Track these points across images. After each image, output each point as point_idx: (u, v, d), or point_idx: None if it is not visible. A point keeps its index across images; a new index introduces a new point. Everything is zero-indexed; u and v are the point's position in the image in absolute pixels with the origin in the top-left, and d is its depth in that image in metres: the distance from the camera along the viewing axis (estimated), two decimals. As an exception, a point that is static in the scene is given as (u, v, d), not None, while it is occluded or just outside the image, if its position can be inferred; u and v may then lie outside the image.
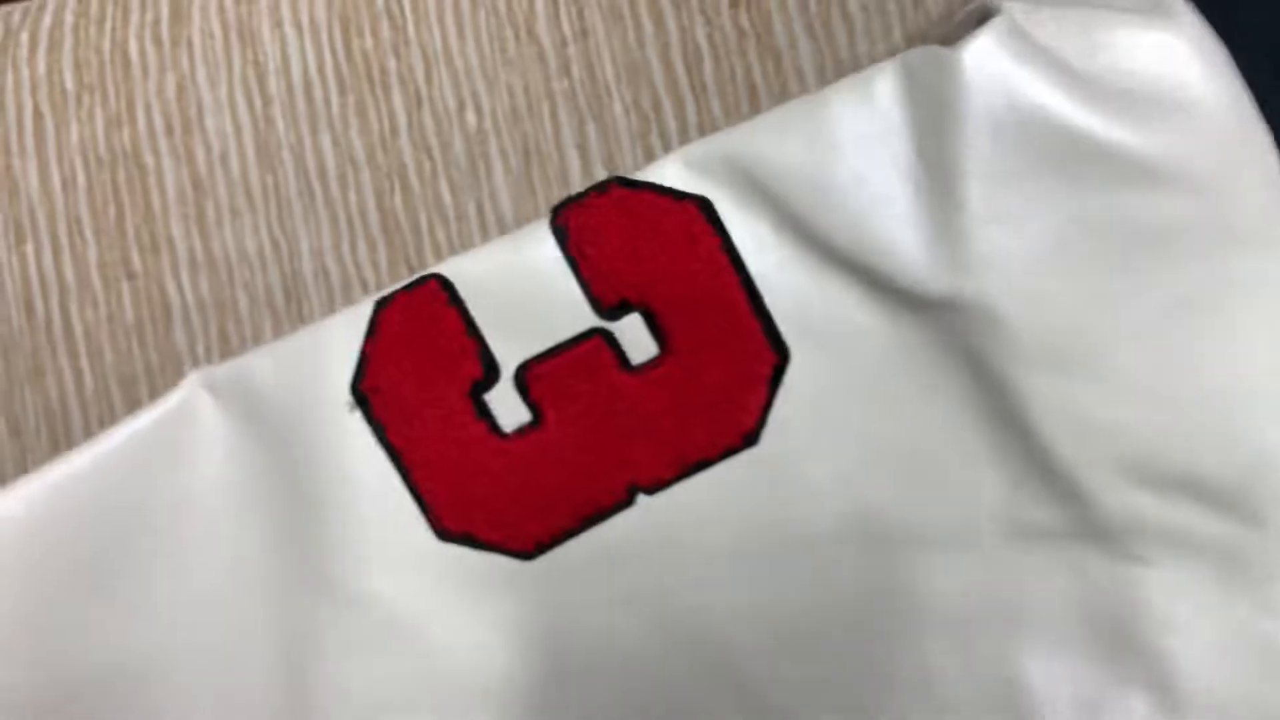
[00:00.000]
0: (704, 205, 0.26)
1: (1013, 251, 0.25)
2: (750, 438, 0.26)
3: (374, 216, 0.32)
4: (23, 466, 0.32)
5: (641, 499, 0.27)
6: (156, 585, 0.27)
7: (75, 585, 0.27)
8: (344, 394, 0.26)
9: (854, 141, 0.25)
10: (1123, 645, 0.26)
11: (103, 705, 0.26)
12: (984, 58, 0.24)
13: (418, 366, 0.26)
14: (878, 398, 0.26)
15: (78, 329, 0.32)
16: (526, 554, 0.27)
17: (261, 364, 0.27)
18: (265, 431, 0.27)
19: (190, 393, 0.27)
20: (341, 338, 0.26)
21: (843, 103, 0.25)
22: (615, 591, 0.27)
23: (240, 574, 0.27)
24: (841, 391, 0.26)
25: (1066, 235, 0.25)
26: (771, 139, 0.26)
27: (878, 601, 0.27)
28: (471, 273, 0.26)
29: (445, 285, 0.26)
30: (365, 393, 0.26)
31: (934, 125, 0.25)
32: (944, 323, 0.26)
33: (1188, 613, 0.26)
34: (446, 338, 0.26)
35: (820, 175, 0.25)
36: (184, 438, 0.27)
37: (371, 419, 0.26)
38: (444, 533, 0.27)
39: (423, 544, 0.27)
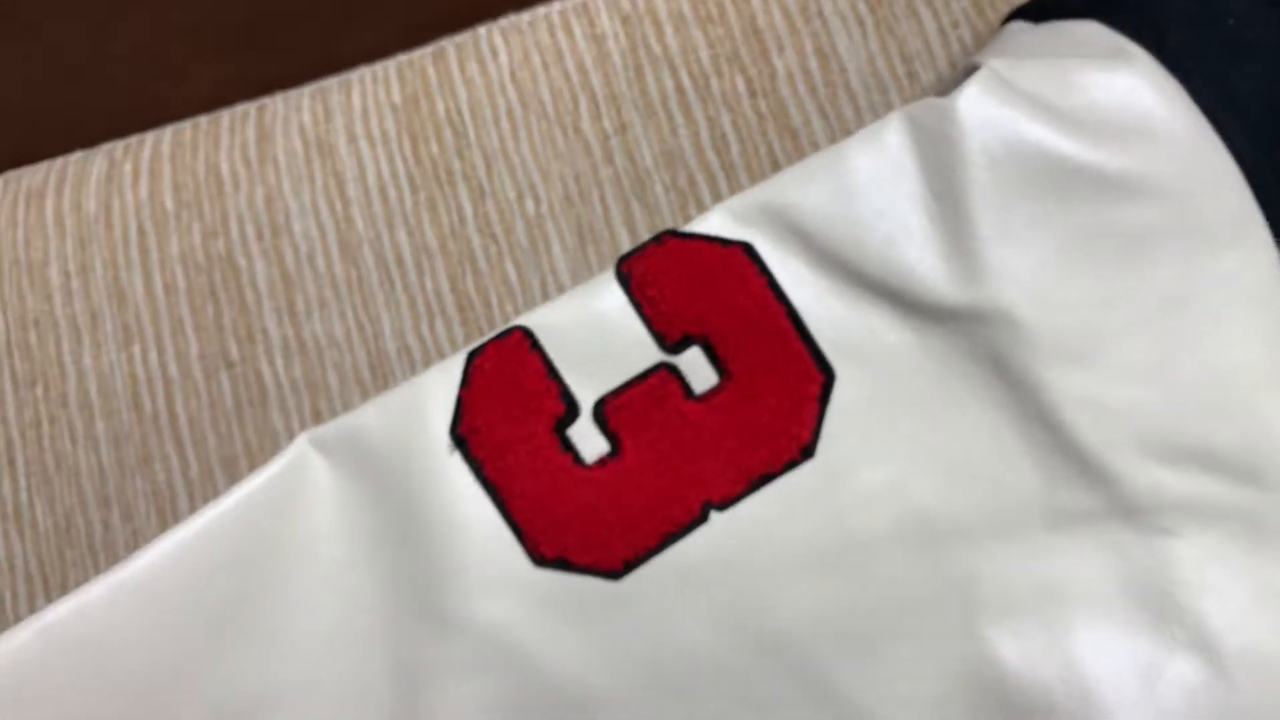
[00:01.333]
0: (748, 249, 0.30)
1: (1021, 264, 0.28)
2: (808, 450, 0.29)
3: (449, 298, 0.35)
4: (134, 548, 0.35)
5: (715, 515, 0.30)
6: (276, 630, 0.29)
7: (199, 638, 0.29)
8: (444, 438, 0.29)
9: (871, 183, 0.29)
10: (1165, 613, 0.28)
11: None
12: (975, 102, 0.29)
13: (508, 408, 0.30)
14: (917, 405, 0.29)
15: (182, 418, 0.36)
16: (615, 573, 0.29)
17: (365, 418, 0.30)
18: (372, 479, 0.30)
19: (300, 450, 0.30)
20: (438, 388, 0.30)
21: (858, 151, 0.29)
22: (697, 604, 0.30)
23: (354, 614, 0.29)
24: (884, 403, 0.30)
25: (1065, 246, 0.28)
26: (800, 187, 0.30)
27: (935, 596, 0.29)
28: (550, 322, 0.30)
29: (528, 334, 0.30)
30: (464, 435, 0.29)
31: (940, 163, 0.29)
32: (967, 331, 0.29)
33: (1218, 576, 0.28)
34: (532, 380, 0.30)
35: (845, 214, 0.29)
36: (296, 491, 0.30)
37: (470, 458, 0.29)
38: (540, 559, 0.29)
39: (521, 570, 0.29)
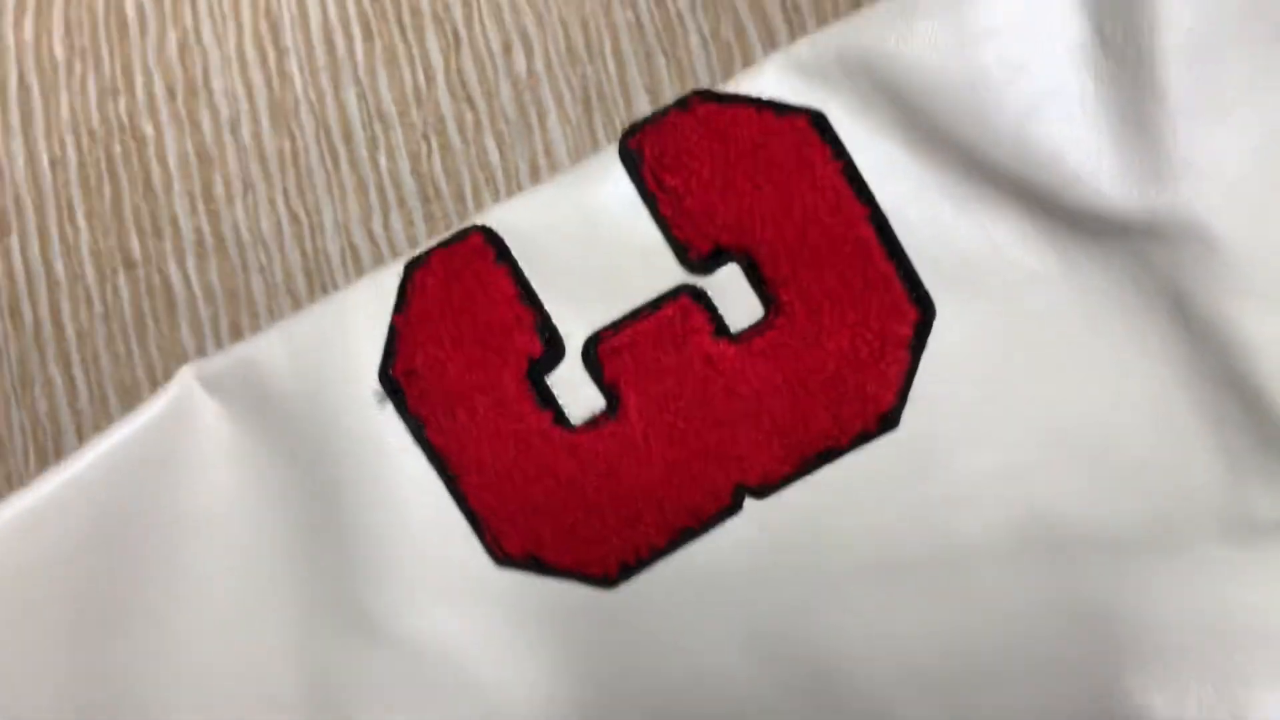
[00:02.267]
0: (816, 120, 0.20)
1: (1229, 152, 0.19)
2: (887, 420, 0.20)
3: (409, 182, 0.27)
4: (6, 491, 0.28)
5: (749, 504, 0.21)
6: (158, 615, 0.22)
7: (65, 618, 0.22)
8: (371, 382, 0.21)
9: (1006, 20, 0.20)
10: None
11: None
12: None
13: (461, 342, 0.21)
14: (1052, 362, 0.20)
15: (69, 330, 0.28)
16: (608, 580, 0.21)
17: (269, 350, 0.22)
18: (279, 432, 0.22)
19: (184, 390, 0.22)
20: (366, 311, 0.21)
21: (992, -28, 0.20)
22: (719, 622, 0.21)
23: (258, 607, 0.22)
24: (1004, 356, 0.20)
25: (1306, 127, 0.19)
26: (898, 27, 0.20)
27: (1059, 626, 0.21)
28: (523, 222, 0.21)
29: (491, 239, 0.21)
30: (398, 379, 0.21)
31: (1117, -7, 0.19)
32: (1137, 256, 0.20)
33: None
34: (496, 305, 0.21)
35: (965, 69, 0.20)
36: (181, 444, 0.22)
37: (406, 413, 0.21)
38: (503, 556, 0.21)
39: (477, 570, 0.21)
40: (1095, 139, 0.19)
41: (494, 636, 0.21)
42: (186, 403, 0.22)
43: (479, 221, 0.21)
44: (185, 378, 0.22)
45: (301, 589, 0.22)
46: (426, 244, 0.24)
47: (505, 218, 0.21)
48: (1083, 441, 0.20)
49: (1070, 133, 0.19)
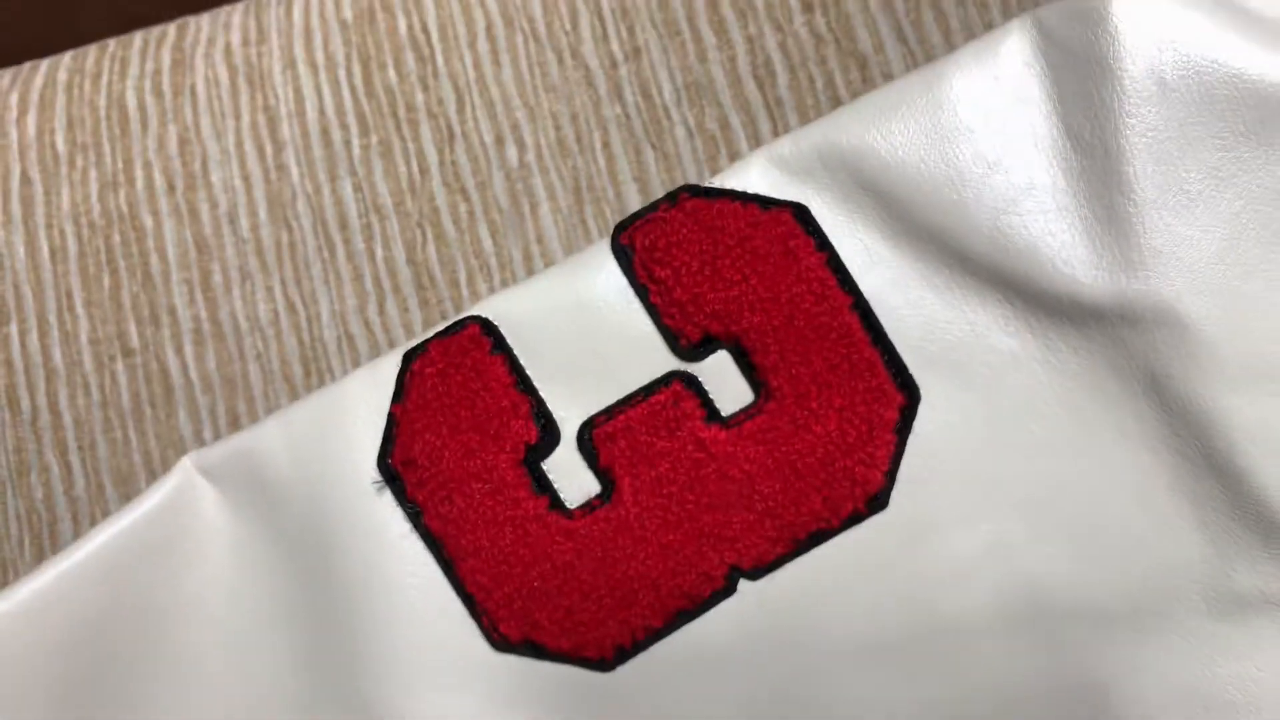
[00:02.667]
0: (799, 213, 0.21)
1: (1197, 241, 0.20)
2: (876, 501, 0.21)
3: (405, 272, 0.27)
4: (3, 577, 0.28)
5: (744, 585, 0.21)
6: (159, 705, 0.22)
7: (61, 709, 0.22)
8: (370, 471, 0.21)
9: (981, 119, 0.20)
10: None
11: None
12: (1138, 3, 0.20)
13: (459, 430, 0.21)
14: (1034, 442, 0.21)
15: (67, 418, 0.28)
16: (604, 664, 0.21)
17: (268, 439, 0.22)
18: (278, 520, 0.22)
19: (184, 479, 0.22)
20: (364, 401, 0.22)
21: (963, 73, 0.21)
22: (715, 702, 0.22)
23: (257, 694, 0.22)
24: (988, 436, 0.21)
25: (1266, 216, 0.20)
26: (877, 126, 0.21)
27: (1048, 699, 0.21)
28: (519, 312, 0.22)
29: (488, 329, 0.21)
30: (396, 468, 0.21)
31: (1081, 91, 0.20)
32: (1114, 340, 0.20)
33: None
34: (493, 393, 0.21)
35: (942, 165, 0.21)
36: (180, 535, 0.22)
37: (404, 500, 0.21)
38: (501, 641, 0.21)
39: (475, 656, 0.21)
40: (1068, 230, 0.20)
41: (492, 722, 0.21)
42: (187, 492, 0.22)
43: (475, 311, 0.22)
44: (185, 467, 0.23)
45: (301, 677, 0.22)
46: (423, 334, 0.25)
47: (501, 307, 0.22)
48: (1067, 519, 0.21)
49: (1044, 225, 0.20)
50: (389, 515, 0.21)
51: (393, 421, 0.21)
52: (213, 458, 0.22)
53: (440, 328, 0.22)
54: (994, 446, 0.21)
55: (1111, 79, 0.20)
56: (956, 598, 0.21)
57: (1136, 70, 0.20)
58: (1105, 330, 0.20)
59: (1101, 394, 0.21)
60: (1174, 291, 0.20)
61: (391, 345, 0.27)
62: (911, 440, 0.21)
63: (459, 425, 0.21)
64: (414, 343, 0.22)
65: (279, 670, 0.22)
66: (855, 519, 0.21)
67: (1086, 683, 0.21)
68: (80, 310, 0.28)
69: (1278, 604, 0.21)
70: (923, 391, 0.21)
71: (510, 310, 0.22)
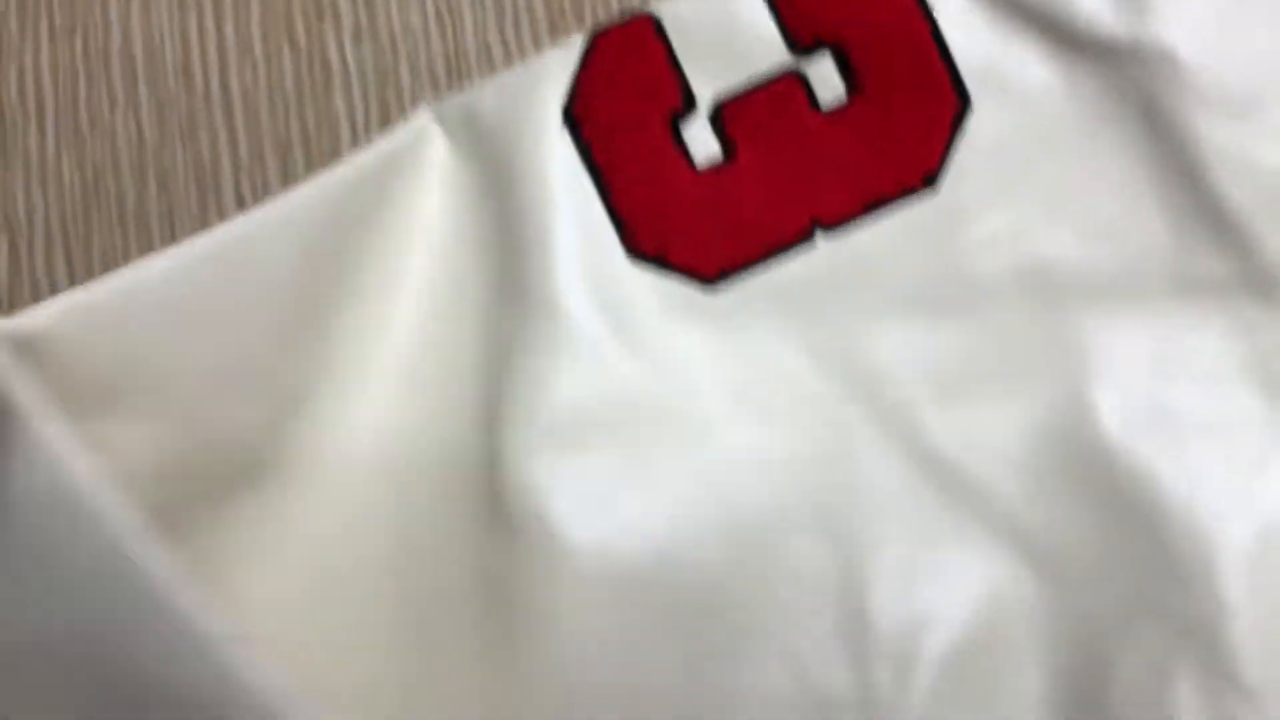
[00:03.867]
0: (899, -46, 0.28)
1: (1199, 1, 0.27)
2: (931, 180, 0.28)
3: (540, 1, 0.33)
4: (169, 220, 0.33)
5: (821, 239, 0.28)
6: (377, 305, 0.28)
7: (301, 299, 0.28)
8: (556, 117, 0.27)
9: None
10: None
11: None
12: None
13: (624, 94, 0.27)
14: (1054, 151, 0.28)
15: (235, 92, 0.33)
16: (710, 281, 0.28)
17: (483, 94, 0.28)
18: (483, 154, 0.28)
19: (423, 124, 0.28)
20: (557, 67, 0.28)
21: None
22: (791, 327, 0.28)
23: (456, 300, 0.28)
24: (1020, 144, 0.28)
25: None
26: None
27: (1046, 350, 0.28)
28: (679, 11, 0.28)
29: (654, 21, 0.28)
30: (576, 116, 0.27)
31: None
32: (1122, 71, 0.27)
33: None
34: (651, 68, 0.27)
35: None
36: (415, 165, 0.28)
37: (579, 140, 0.27)
38: (636, 252, 0.27)
39: (615, 262, 0.28)
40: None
41: (619, 320, 0.28)
42: (424, 132, 0.28)
43: (648, 9, 0.28)
44: (423, 114, 0.28)
45: (489, 280, 0.28)
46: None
47: (667, 6, 0.28)
48: (1073, 211, 0.28)
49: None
50: (565, 149, 0.27)
51: (576, 81, 0.27)
52: (442, 108, 0.28)
53: (620, 18, 0.28)
54: (1023, 150, 0.28)
55: None
56: (982, 265, 0.28)
57: None
58: (1116, 64, 0.27)
59: (1109, 115, 0.27)
60: (1175, 38, 0.26)
61: (522, 60, 0.33)
62: (961, 138, 0.28)
63: (624, 90, 0.27)
64: (599, 26, 0.28)
65: (474, 278, 0.28)
66: (911, 191, 0.28)
67: (1069, 333, 0.27)
68: (254, 3, 0.33)
69: (1216, 289, 0.27)
70: (975, 102, 0.28)
71: (674, 9, 0.28)
